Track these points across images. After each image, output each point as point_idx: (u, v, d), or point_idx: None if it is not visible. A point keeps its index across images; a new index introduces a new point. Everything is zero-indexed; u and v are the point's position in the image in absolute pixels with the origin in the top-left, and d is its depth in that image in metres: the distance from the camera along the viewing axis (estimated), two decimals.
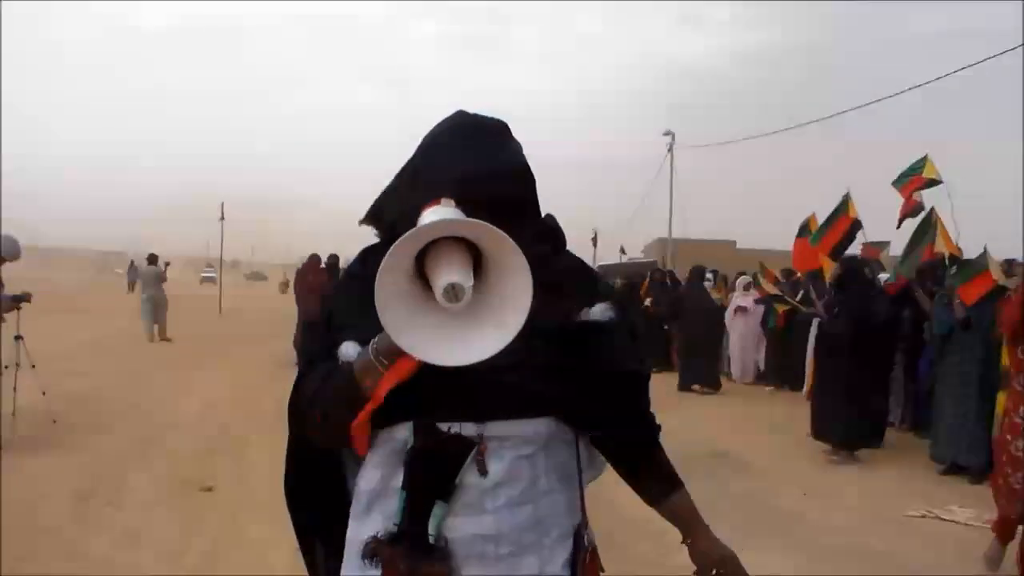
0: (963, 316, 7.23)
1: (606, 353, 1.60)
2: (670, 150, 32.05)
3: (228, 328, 21.16)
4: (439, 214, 1.44)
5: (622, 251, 31.46)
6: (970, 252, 9.78)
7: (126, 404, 9.36)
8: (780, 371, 12.79)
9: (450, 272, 1.35)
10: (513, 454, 1.52)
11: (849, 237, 11.09)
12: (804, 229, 11.44)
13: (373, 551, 1.51)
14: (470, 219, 1.37)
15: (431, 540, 1.47)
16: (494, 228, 1.34)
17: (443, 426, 1.50)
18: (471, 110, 1.70)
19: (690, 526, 1.67)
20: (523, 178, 1.65)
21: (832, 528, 5.71)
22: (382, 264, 1.33)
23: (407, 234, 1.34)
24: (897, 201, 10.33)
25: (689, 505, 1.68)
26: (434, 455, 1.49)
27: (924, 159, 10.08)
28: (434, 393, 1.48)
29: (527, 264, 1.35)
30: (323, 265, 14.45)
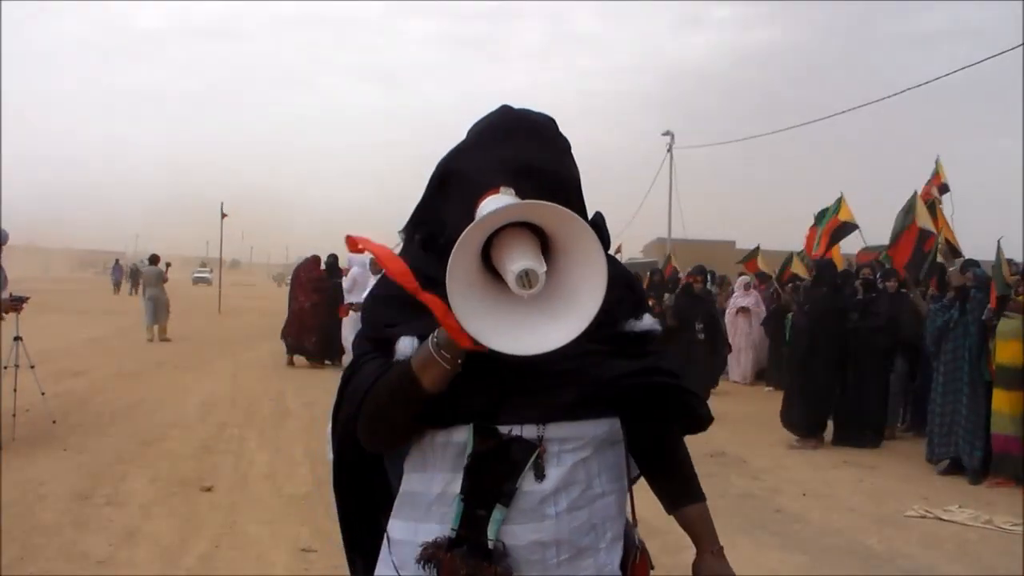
0: (959, 284, 7.33)
1: (658, 362, 1.60)
2: (669, 150, 32.04)
3: (227, 328, 21.13)
4: (501, 203, 1.39)
5: (618, 251, 31.40)
6: (968, 251, 9.84)
7: (125, 404, 9.35)
8: (780, 371, 12.77)
9: (523, 258, 1.31)
10: (572, 458, 1.49)
11: (836, 237, 11.32)
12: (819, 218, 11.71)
13: (431, 556, 1.47)
14: (546, 202, 1.32)
15: (490, 546, 1.44)
16: (569, 212, 1.30)
17: (503, 428, 1.47)
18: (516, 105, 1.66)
19: (702, 540, 1.63)
20: (573, 175, 1.62)
21: (832, 528, 5.70)
22: (453, 250, 1.28)
23: (478, 219, 1.30)
24: (899, 200, 10.40)
25: (707, 520, 1.65)
26: (495, 458, 1.45)
27: (936, 163, 10.24)
28: (493, 395, 1.45)
29: (602, 249, 1.32)
30: (323, 265, 14.52)
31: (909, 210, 9.58)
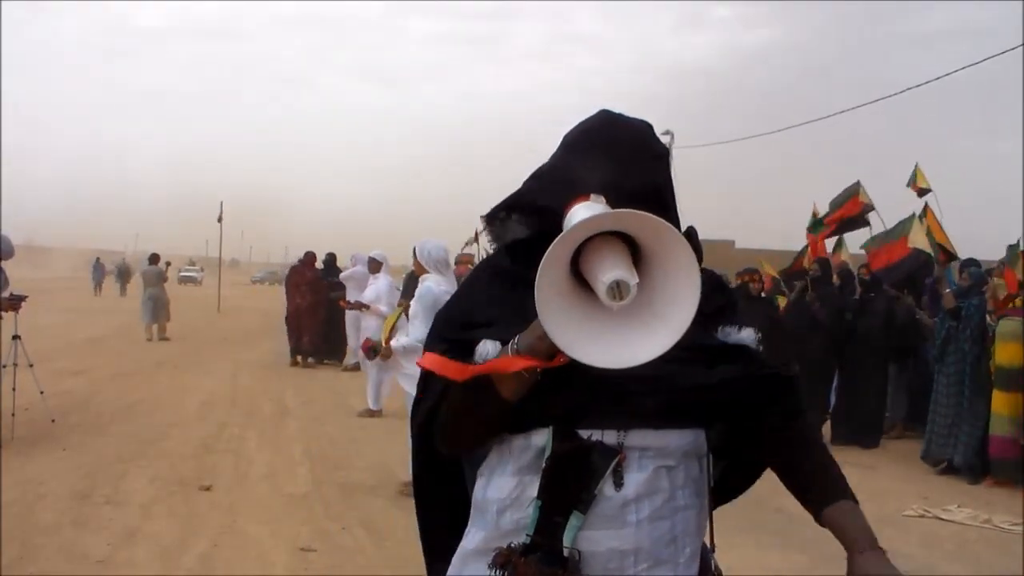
0: (953, 306, 7.38)
1: (754, 377, 1.54)
2: (669, 150, 32.09)
3: (226, 327, 21.12)
4: (592, 210, 1.36)
5: None
6: (968, 251, 9.86)
7: (125, 404, 9.35)
8: None
9: (614, 268, 1.28)
10: (654, 465, 1.46)
11: (857, 219, 11.28)
12: (816, 224, 11.66)
13: (504, 560, 1.44)
14: (636, 211, 1.28)
15: (565, 552, 1.41)
16: (661, 220, 1.27)
17: (584, 433, 1.44)
18: (615, 110, 1.64)
19: (854, 542, 1.54)
20: (664, 184, 1.59)
21: None
22: (544, 258, 1.26)
23: (569, 229, 1.28)
24: (898, 201, 10.48)
25: (856, 518, 1.56)
26: (574, 462, 1.43)
27: (915, 169, 10.30)
28: (575, 399, 1.43)
29: (695, 259, 1.29)
30: (321, 264, 14.52)
31: (904, 231, 9.66)
